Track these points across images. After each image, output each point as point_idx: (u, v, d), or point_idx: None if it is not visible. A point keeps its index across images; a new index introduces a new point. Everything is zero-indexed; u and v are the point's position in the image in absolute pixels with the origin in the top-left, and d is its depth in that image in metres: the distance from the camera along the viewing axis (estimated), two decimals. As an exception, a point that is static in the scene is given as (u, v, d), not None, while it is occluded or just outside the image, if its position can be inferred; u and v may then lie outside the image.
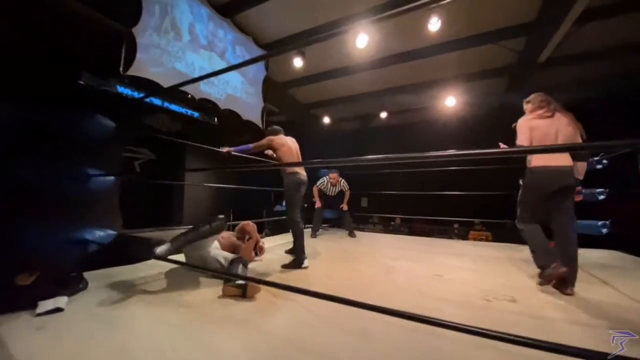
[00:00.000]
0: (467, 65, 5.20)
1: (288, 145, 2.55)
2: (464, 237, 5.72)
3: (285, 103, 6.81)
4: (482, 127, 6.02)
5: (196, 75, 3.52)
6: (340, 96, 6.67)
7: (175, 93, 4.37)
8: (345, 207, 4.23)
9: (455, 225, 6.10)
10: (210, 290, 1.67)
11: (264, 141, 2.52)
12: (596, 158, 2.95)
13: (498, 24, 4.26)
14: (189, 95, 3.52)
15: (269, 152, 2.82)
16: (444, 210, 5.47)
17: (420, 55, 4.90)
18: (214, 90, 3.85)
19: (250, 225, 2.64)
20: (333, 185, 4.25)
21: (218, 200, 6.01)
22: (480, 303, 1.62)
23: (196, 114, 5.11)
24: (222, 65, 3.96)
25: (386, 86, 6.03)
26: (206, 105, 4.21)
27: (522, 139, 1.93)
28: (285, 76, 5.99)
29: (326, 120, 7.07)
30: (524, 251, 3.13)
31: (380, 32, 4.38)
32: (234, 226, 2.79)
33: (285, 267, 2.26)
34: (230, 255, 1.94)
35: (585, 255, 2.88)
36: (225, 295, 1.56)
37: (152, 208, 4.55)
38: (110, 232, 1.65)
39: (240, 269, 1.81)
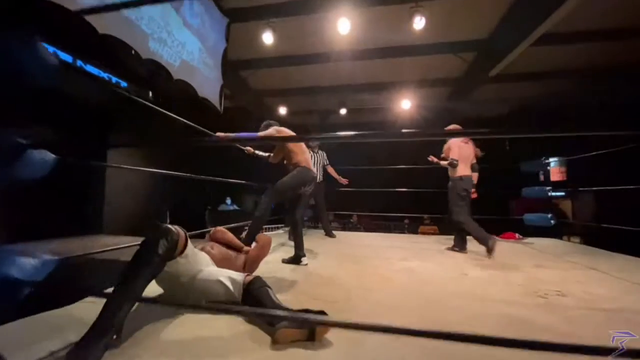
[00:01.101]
0: (422, 71, 5.55)
1: None
2: (415, 231, 6.15)
3: (235, 87, 5.93)
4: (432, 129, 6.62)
5: (144, 27, 2.58)
6: (299, 87, 6.23)
7: (99, 51, 3.15)
8: (344, 180, 3.84)
9: (406, 221, 6.52)
10: (241, 332, 1.09)
11: (270, 131, 2.19)
12: (550, 160, 3.48)
13: (453, 37, 4.62)
14: (133, 52, 2.52)
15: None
16: (396, 206, 5.75)
17: (387, 54, 4.95)
18: (167, 53, 2.90)
19: (223, 231, 2.06)
20: (315, 152, 3.67)
21: (149, 200, 4.73)
22: (541, 301, 1.55)
23: (124, 84, 3.88)
24: (179, 22, 3.03)
25: (348, 82, 5.92)
26: (148, 71, 3.19)
27: (454, 154, 2.80)
28: (240, 54, 5.17)
29: (282, 111, 6.51)
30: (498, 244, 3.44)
31: (355, 22, 4.17)
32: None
33: (285, 261, 2.25)
34: (238, 275, 1.35)
35: (543, 244, 3.36)
36: (282, 341, 1.02)
37: (59, 210, 3.15)
38: (48, 258, 0.88)
39: (272, 295, 1.27)
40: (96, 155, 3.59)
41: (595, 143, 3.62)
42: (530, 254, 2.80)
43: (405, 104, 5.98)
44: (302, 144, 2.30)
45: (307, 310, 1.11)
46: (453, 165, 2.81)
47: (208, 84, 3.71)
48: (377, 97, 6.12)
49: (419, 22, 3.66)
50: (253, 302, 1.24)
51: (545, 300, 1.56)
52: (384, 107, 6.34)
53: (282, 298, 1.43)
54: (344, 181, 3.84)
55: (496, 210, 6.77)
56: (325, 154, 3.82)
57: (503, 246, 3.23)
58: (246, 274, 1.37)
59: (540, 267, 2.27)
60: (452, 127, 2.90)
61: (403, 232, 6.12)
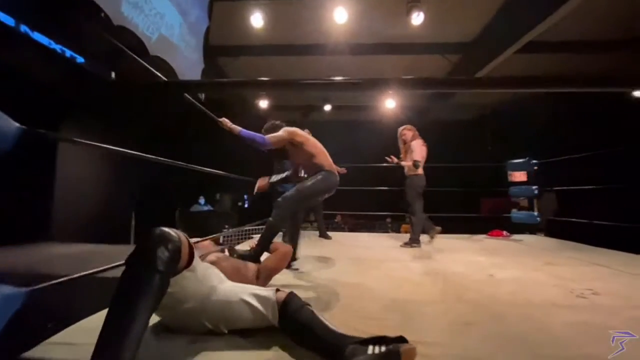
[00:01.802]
0: (408, 71, 5.56)
1: (312, 138, 2.04)
2: (397, 230, 6.17)
3: (211, 75, 5.38)
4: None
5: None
6: (281, 79, 5.86)
7: (51, 14, 2.55)
8: (342, 170, 3.52)
9: (389, 220, 6.53)
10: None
11: (282, 134, 1.90)
12: (534, 161, 3.63)
13: (441, 38, 4.69)
14: (102, 14, 2.02)
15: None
16: (377, 205, 5.71)
17: (377, 51, 4.87)
18: (143, 22, 2.41)
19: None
20: None
21: (109, 200, 4.03)
22: (585, 302, 1.47)
23: (80, 59, 3.25)
24: (157, -13, 2.55)
25: (334, 77, 5.72)
26: (117, 43, 2.66)
27: (417, 156, 2.97)
28: (219, 39, 4.69)
29: (262, 105, 6.10)
30: (484, 240, 3.51)
31: (350, 12, 3.99)
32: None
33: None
34: (265, 291, 1.05)
35: (529, 240, 3.48)
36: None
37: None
38: (8, 290, 0.52)
39: (322, 318, 0.99)
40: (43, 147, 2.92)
41: (555, 149, 3.93)
42: (528, 251, 2.86)
43: (390, 103, 5.97)
44: (320, 144, 2.02)
45: (383, 338, 0.86)
46: (417, 166, 2.97)
47: (189, 66, 3.23)
48: (361, 94, 6.01)
49: (416, 18, 3.60)
50: (295, 327, 0.95)
51: (587, 301, 1.49)
52: (369, 105, 6.28)
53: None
54: (342, 170, 3.64)
55: (470, 209, 7.08)
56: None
57: (499, 244, 3.29)
58: (275, 289, 1.08)
59: (550, 264, 2.27)
60: (409, 126, 3.13)
61: (387, 232, 6.10)
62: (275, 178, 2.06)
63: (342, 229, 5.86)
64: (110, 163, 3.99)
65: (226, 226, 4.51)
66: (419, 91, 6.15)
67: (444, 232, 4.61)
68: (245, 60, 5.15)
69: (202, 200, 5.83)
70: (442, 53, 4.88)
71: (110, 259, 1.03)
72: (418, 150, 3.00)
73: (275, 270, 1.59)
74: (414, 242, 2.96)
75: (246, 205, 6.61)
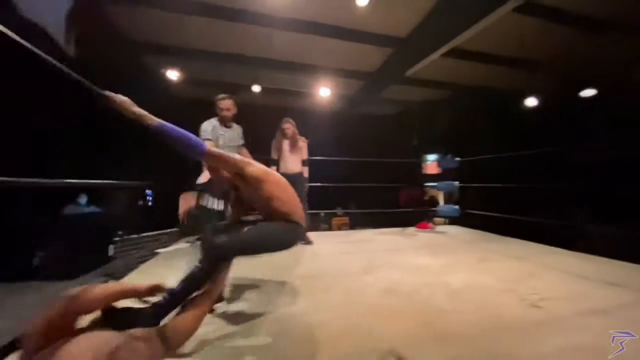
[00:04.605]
0: (343, 58, 5.32)
1: (276, 174, 1.38)
2: (329, 224, 6.09)
3: (94, 27, 3.90)
4: (341, 121, 6.65)
5: None
6: (198, 48, 4.77)
7: None
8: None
9: (322, 215, 6.35)
10: None
11: (237, 160, 1.26)
12: (457, 159, 3.92)
13: (378, 28, 4.58)
14: None
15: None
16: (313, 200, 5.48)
17: (316, 30, 4.40)
18: None
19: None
20: (227, 125, 2.18)
21: None
22: (541, 315, 1.48)
23: None
24: None
25: (265, 55, 4.99)
26: None
27: (306, 154, 3.17)
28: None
29: (172, 77, 4.86)
30: (418, 234, 3.61)
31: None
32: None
33: None
34: None
35: (453, 232, 3.75)
36: None
37: None
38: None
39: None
40: None
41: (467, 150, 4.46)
42: (459, 246, 2.99)
43: (324, 92, 5.66)
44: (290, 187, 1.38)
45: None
46: (307, 164, 3.14)
47: (41, -2, 2.08)
48: (294, 78, 5.49)
49: (362, -1, 3.31)
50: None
51: (544, 312, 1.48)
52: (304, 92, 5.80)
53: None
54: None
55: (391, 202, 7.54)
56: (241, 130, 2.55)
57: (432, 239, 3.36)
58: None
59: (484, 261, 2.38)
60: (290, 121, 3.06)
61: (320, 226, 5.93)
62: (210, 203, 1.33)
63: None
64: None
65: (120, 233, 3.40)
66: (352, 82, 6.06)
67: (374, 225, 4.70)
68: (144, 12, 3.89)
69: (83, 199, 4.29)
70: (378, 45, 4.80)
71: None
72: (306, 148, 3.15)
73: (192, 333, 1.04)
74: (307, 241, 3.04)
75: (150, 204, 5.27)
